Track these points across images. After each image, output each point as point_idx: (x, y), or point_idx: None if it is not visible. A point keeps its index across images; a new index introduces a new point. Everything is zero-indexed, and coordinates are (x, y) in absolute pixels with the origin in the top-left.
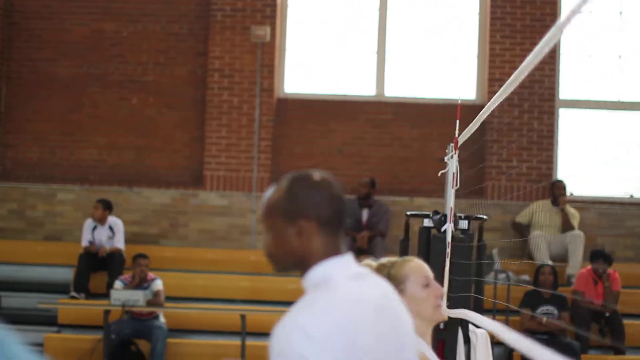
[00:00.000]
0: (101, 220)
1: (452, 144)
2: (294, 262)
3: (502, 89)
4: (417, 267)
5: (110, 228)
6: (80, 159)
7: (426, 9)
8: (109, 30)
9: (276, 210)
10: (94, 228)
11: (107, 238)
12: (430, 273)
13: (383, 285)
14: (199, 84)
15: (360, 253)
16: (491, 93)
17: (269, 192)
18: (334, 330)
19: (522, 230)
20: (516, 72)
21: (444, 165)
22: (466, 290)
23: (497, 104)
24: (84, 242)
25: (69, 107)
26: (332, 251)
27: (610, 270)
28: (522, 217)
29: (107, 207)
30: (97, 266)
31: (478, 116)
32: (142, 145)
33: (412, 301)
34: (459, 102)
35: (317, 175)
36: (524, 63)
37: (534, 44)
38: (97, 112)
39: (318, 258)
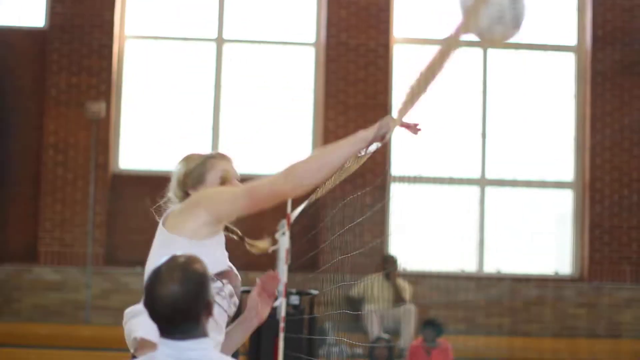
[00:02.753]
0: None
1: (284, 220)
2: None
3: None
4: (220, 161)
5: None
6: None
7: (260, 85)
8: None
9: None
10: None
11: None
12: (234, 170)
13: None
14: (33, 159)
15: None
16: None
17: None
18: None
19: (355, 304)
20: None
21: (276, 241)
22: None
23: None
24: None
25: None
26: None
27: (441, 340)
28: (355, 291)
29: None
30: None
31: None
32: None
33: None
34: None
35: (157, 279)
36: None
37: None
38: None
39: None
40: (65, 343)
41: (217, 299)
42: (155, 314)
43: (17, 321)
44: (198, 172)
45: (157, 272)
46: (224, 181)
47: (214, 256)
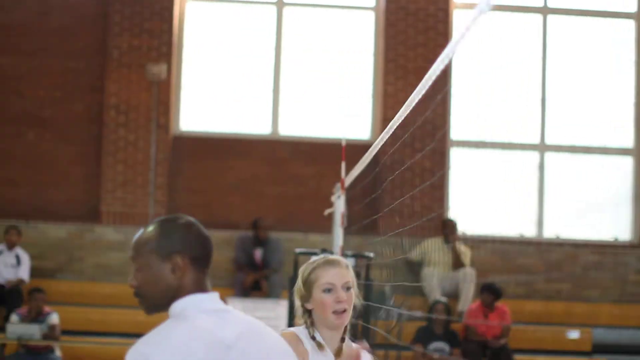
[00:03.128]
0: (11, 246)
1: (339, 184)
2: (167, 299)
3: (388, 127)
4: (321, 272)
5: (17, 257)
6: None
7: (321, 49)
8: (6, 65)
9: (150, 249)
10: None
11: (10, 266)
12: (335, 278)
13: (244, 323)
14: (95, 120)
15: (254, 289)
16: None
17: (139, 233)
18: (171, 358)
19: (414, 268)
20: (401, 111)
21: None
22: (352, 327)
23: (383, 143)
24: None
25: None
26: (199, 287)
27: (499, 303)
28: (414, 255)
29: (19, 234)
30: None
31: (365, 155)
32: (38, 180)
33: (316, 307)
34: (344, 143)
35: (184, 217)
36: (408, 101)
37: (429, 87)
38: None
39: (185, 293)
40: (127, 302)
41: None
42: (209, 255)
43: (80, 280)
44: (306, 289)
45: (190, 222)
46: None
47: None
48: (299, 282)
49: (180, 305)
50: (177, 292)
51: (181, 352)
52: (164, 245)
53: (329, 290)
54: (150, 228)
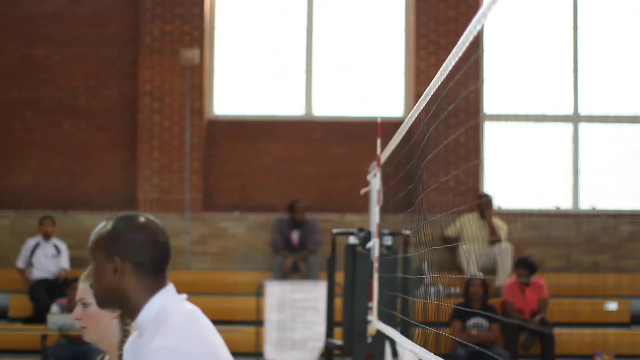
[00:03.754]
0: (48, 237)
1: (374, 162)
2: (114, 299)
3: (418, 102)
4: None
5: (56, 247)
6: (13, 184)
7: (352, 27)
8: (39, 55)
9: (99, 244)
10: (35, 247)
11: (51, 256)
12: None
13: (193, 306)
14: (129, 107)
15: (293, 271)
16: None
17: (98, 228)
18: (198, 343)
19: (451, 244)
20: (430, 87)
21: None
22: (391, 304)
23: (415, 119)
24: (21, 264)
25: (1, 133)
26: (154, 289)
27: (535, 278)
28: (450, 231)
29: (54, 224)
30: (52, 293)
31: (398, 131)
32: (75, 169)
33: None
34: (379, 120)
35: (142, 218)
36: (437, 75)
37: (460, 60)
38: (29, 137)
39: (140, 298)
40: None
41: None
42: (159, 261)
43: None
44: None
45: (143, 225)
46: None
47: None
48: None
49: (155, 309)
50: (122, 295)
51: (201, 334)
52: (110, 245)
53: None
54: (107, 224)
